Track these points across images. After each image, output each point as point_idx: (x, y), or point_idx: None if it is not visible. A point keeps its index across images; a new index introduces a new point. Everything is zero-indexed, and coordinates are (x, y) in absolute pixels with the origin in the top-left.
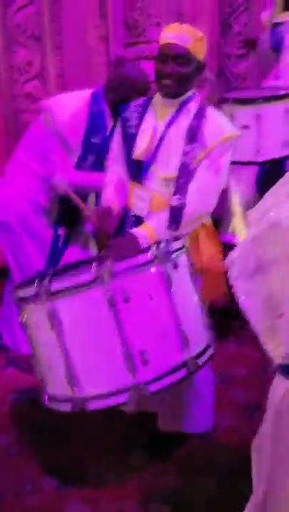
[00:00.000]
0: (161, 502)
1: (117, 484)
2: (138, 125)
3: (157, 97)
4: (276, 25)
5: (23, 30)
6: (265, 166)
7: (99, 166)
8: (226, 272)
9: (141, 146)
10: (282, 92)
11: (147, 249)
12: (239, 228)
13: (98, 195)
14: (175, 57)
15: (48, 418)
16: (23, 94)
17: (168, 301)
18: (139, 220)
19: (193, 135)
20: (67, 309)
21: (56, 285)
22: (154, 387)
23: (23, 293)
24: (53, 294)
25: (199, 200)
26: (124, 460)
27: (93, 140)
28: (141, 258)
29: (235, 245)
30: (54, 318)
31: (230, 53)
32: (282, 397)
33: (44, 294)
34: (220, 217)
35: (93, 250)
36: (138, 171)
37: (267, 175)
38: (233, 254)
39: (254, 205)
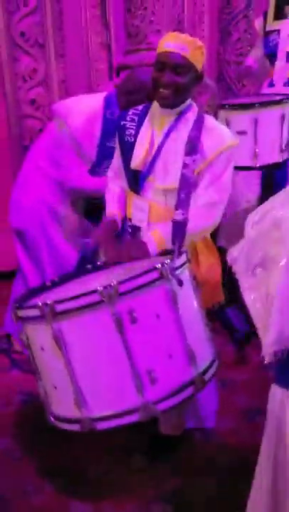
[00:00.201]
0: (162, 502)
1: (119, 485)
2: (136, 134)
3: (155, 106)
4: (269, 33)
5: (27, 38)
6: (268, 170)
7: None
8: (222, 282)
9: (138, 156)
10: (278, 98)
11: (153, 268)
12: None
13: None
14: (174, 66)
15: None
16: (27, 100)
17: (174, 318)
18: (136, 231)
19: (192, 146)
20: (73, 330)
21: (61, 306)
22: (162, 407)
23: (25, 313)
24: (58, 315)
25: (203, 216)
26: (125, 461)
27: (108, 144)
28: (147, 277)
29: None
30: (60, 340)
31: (230, 60)
32: (280, 403)
33: (49, 314)
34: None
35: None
36: (136, 180)
37: (270, 178)
38: (235, 251)
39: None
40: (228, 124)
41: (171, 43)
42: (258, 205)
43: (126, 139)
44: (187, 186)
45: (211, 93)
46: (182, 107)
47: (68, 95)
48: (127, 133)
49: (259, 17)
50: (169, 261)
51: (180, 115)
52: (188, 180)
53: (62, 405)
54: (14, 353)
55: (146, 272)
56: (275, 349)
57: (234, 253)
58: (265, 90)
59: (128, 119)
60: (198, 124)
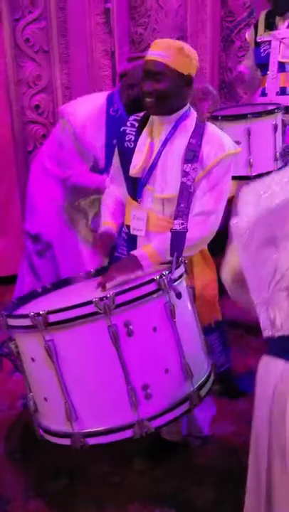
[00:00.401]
0: (164, 505)
1: (120, 487)
2: (135, 140)
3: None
4: (260, 43)
5: (31, 45)
6: None
7: None
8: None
9: (136, 163)
10: (270, 108)
11: (151, 280)
12: None
13: None
14: (153, 74)
15: None
16: (31, 106)
17: (172, 331)
18: (133, 240)
19: (192, 154)
20: (66, 342)
21: (55, 316)
22: (157, 423)
23: (16, 322)
24: (51, 325)
25: (199, 226)
26: (126, 464)
27: (115, 142)
28: (145, 288)
29: None
30: (52, 351)
31: (232, 67)
32: (281, 376)
33: (42, 325)
34: None
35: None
36: (134, 188)
37: None
38: (239, 223)
39: None
40: None
41: (153, 50)
42: None
43: (125, 145)
44: (187, 195)
45: (212, 100)
46: (178, 113)
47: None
48: (126, 139)
49: (250, 28)
50: (167, 272)
51: (177, 122)
52: (188, 189)
53: (52, 418)
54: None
55: (143, 284)
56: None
57: (240, 224)
58: (258, 100)
59: (128, 124)
60: (199, 131)
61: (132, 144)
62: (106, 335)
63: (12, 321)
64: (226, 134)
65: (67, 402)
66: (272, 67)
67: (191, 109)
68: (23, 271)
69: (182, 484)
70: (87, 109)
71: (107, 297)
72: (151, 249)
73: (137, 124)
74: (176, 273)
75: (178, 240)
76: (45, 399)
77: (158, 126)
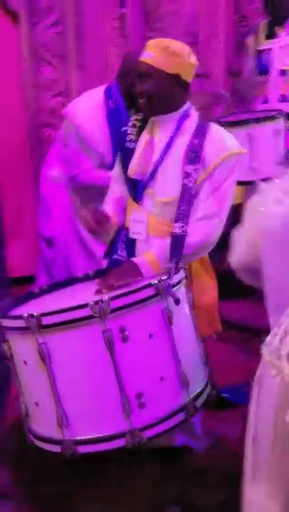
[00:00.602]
0: (168, 508)
1: (124, 489)
2: (136, 141)
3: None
4: (261, 51)
5: (48, 49)
6: None
7: None
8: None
9: (134, 164)
10: (272, 114)
11: (149, 284)
12: None
13: None
14: (140, 74)
15: None
16: (47, 109)
17: (168, 339)
18: (131, 243)
19: (194, 155)
20: (59, 345)
21: (48, 319)
22: (150, 433)
23: (9, 322)
24: (45, 328)
25: (201, 231)
26: (135, 465)
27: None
28: (142, 293)
29: None
30: (44, 354)
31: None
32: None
33: (35, 327)
34: None
35: None
36: (135, 189)
37: None
38: (270, 222)
39: None
40: None
41: (144, 52)
42: None
43: (126, 145)
44: (188, 197)
45: (225, 104)
46: (177, 113)
47: None
48: (127, 138)
49: (251, 36)
50: (166, 277)
51: (178, 123)
52: (190, 191)
53: (43, 424)
54: None
55: (141, 288)
56: None
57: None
58: (260, 107)
59: (130, 124)
60: (201, 131)
61: (133, 144)
62: (100, 340)
63: (6, 322)
64: (230, 134)
65: (59, 407)
66: (274, 75)
67: (192, 108)
68: (39, 273)
69: (185, 487)
70: (86, 106)
71: (102, 301)
72: (152, 256)
73: (138, 124)
74: (176, 278)
75: (178, 243)
76: (37, 404)
77: (158, 126)
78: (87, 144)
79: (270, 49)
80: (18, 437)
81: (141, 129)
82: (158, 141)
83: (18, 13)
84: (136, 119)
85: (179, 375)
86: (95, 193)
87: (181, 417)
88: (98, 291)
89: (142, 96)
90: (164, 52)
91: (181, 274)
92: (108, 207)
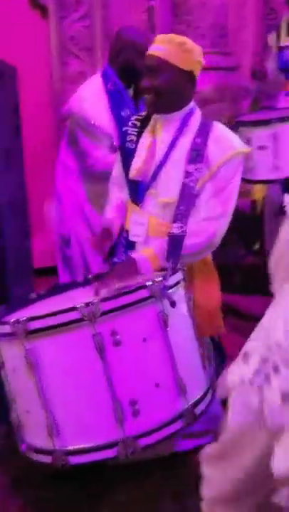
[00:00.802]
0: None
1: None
2: (137, 140)
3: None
4: (283, 48)
5: (76, 42)
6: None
7: None
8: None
9: (136, 166)
10: None
11: (142, 286)
12: None
13: None
14: (150, 69)
15: None
16: None
17: (164, 343)
18: (131, 246)
19: (196, 154)
20: (47, 351)
21: (35, 324)
22: (145, 442)
23: None
24: (32, 333)
25: (203, 232)
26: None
27: (123, 114)
28: (135, 295)
29: None
30: (32, 361)
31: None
32: None
33: (21, 332)
34: None
35: None
36: (135, 191)
37: None
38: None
39: None
40: (248, 139)
41: (152, 45)
42: None
43: (127, 145)
44: (188, 197)
45: (252, 98)
46: (182, 112)
47: None
48: (128, 139)
49: (272, 32)
50: (161, 278)
51: (182, 122)
52: (190, 191)
53: (34, 433)
54: None
55: (134, 290)
56: None
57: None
58: (282, 104)
59: (130, 124)
60: (204, 130)
61: (134, 145)
62: (90, 344)
63: None
64: (234, 134)
65: (49, 416)
66: None
67: (196, 107)
68: (60, 268)
69: (185, 489)
70: (88, 94)
71: (92, 303)
72: (151, 252)
73: (138, 124)
74: (172, 280)
75: (175, 244)
76: (28, 411)
77: (160, 126)
78: (97, 131)
79: None
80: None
81: (141, 129)
82: (160, 141)
83: (47, 8)
84: (136, 119)
85: (176, 380)
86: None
87: (179, 424)
88: (96, 292)
89: (150, 91)
90: (180, 48)
91: (179, 275)
92: (110, 215)
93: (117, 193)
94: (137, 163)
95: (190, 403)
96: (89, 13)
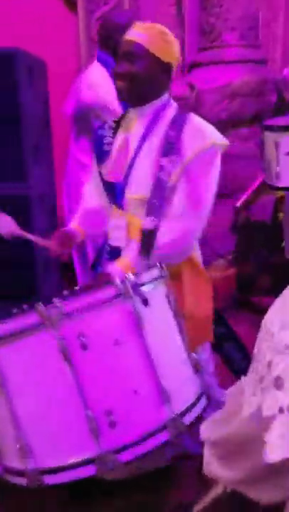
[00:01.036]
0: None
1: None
2: (112, 142)
3: (131, 110)
4: None
5: None
6: None
7: None
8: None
9: (110, 165)
10: None
11: (109, 283)
12: None
13: None
14: (126, 54)
15: None
16: None
17: (139, 345)
18: (116, 253)
19: (170, 147)
20: (9, 360)
21: None
22: (125, 457)
23: None
24: None
25: (175, 231)
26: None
27: None
28: (100, 294)
29: None
30: None
31: None
32: None
33: None
34: None
35: None
36: (113, 193)
37: None
38: None
39: None
40: (276, 145)
41: (131, 32)
42: None
43: (103, 148)
44: (162, 191)
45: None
46: (154, 104)
47: None
48: (104, 141)
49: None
50: (131, 275)
51: (155, 115)
52: (164, 185)
53: (6, 453)
54: None
55: (99, 289)
56: None
57: None
58: None
59: (106, 127)
60: (179, 122)
61: (110, 147)
62: (55, 349)
63: None
64: (211, 125)
65: (18, 433)
66: None
67: (171, 99)
68: (76, 263)
69: (187, 495)
70: (97, 81)
71: (53, 305)
72: (124, 261)
73: (114, 125)
74: (145, 277)
75: (148, 239)
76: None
77: (133, 121)
78: (115, 114)
79: None
80: None
81: (116, 130)
82: (133, 137)
83: (76, 1)
84: (113, 121)
85: (157, 386)
86: None
87: (164, 436)
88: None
89: (124, 78)
90: (161, 37)
91: (155, 272)
92: (73, 225)
93: (90, 201)
94: (110, 164)
95: (176, 412)
96: (118, 7)
